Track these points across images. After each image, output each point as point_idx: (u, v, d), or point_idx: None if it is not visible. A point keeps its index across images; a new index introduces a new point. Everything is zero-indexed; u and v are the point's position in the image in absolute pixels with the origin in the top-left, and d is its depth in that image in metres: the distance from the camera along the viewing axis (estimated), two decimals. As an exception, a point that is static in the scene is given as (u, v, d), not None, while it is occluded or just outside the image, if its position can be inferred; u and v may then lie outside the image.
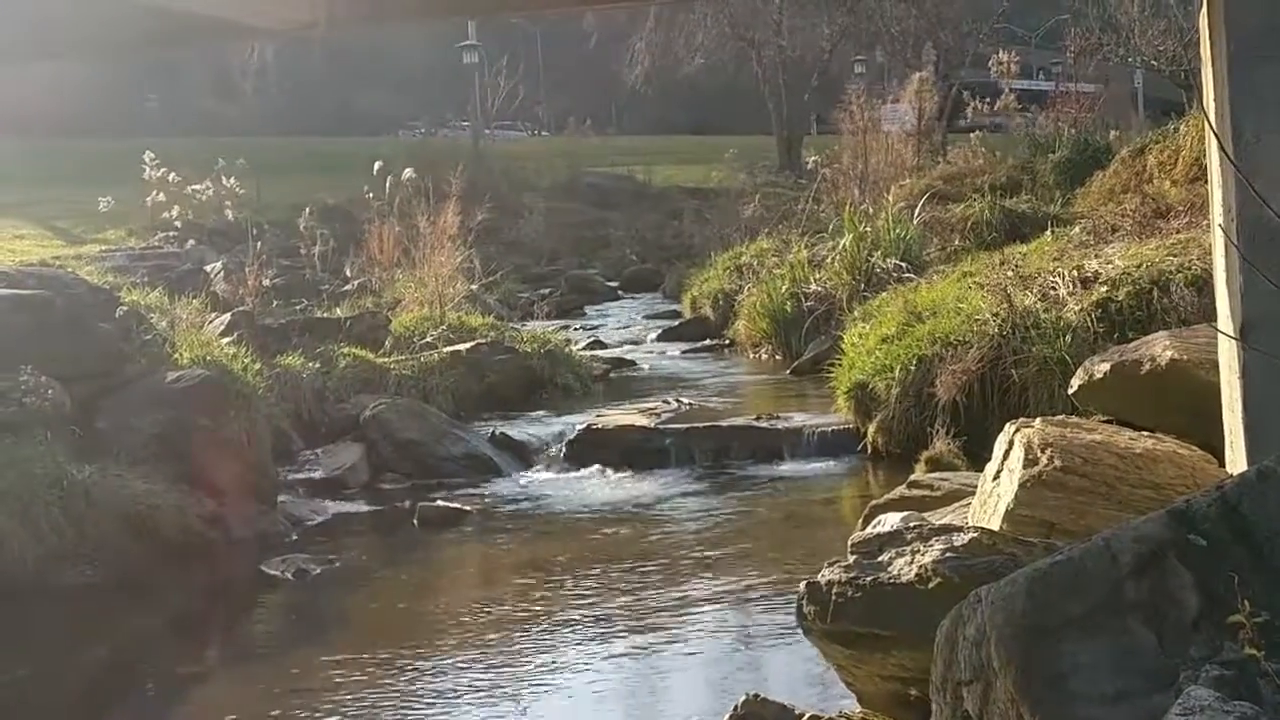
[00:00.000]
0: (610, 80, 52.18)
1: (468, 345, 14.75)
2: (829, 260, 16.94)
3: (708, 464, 11.66)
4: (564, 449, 12.09)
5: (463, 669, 7.20)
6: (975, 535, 5.22)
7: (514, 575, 9.10)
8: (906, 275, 15.01)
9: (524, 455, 12.19)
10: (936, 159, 24.25)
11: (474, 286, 18.02)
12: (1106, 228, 13.84)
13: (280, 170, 30.04)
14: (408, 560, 9.93)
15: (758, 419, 12.37)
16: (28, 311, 10.37)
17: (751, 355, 17.23)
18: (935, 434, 10.32)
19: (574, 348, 16.76)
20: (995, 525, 5.89)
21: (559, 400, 14.43)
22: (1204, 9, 5.93)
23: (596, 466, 11.71)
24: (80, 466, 9.35)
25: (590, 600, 8.25)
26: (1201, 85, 6.01)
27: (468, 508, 10.62)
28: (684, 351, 18.26)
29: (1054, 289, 11.33)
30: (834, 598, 5.21)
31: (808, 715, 5.50)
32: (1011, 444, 6.32)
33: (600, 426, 12.35)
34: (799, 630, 5.54)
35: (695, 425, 12.33)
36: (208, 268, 17.96)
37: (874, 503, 7.67)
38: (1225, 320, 5.86)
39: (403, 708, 6.71)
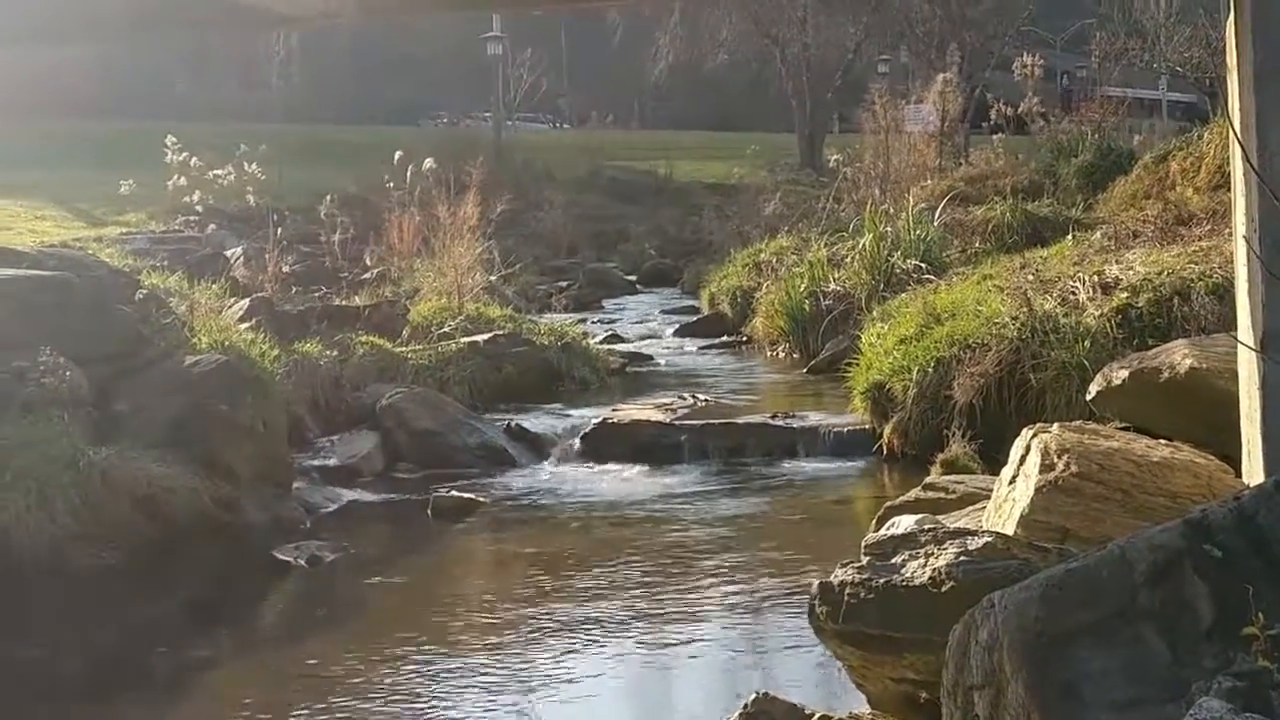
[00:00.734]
0: (633, 75, 52.20)
1: (485, 336, 14.76)
2: (848, 260, 16.92)
3: (722, 461, 11.64)
4: (579, 442, 12.09)
5: (473, 659, 7.21)
6: (990, 539, 5.21)
7: (527, 567, 9.10)
8: (926, 276, 14.98)
9: (539, 447, 12.20)
10: (958, 160, 24.22)
11: (492, 278, 18.05)
12: (1128, 233, 13.80)
13: (302, 157, 30.05)
14: (421, 549, 9.96)
15: (773, 417, 12.36)
16: (48, 292, 10.40)
17: (768, 353, 17.22)
18: (951, 437, 10.29)
19: (591, 341, 16.77)
20: (1010, 530, 5.88)
21: (575, 393, 14.45)
22: (1231, 17, 5.90)
23: (611, 461, 11.71)
24: (96, 448, 9.37)
25: (602, 593, 8.26)
26: (1227, 93, 5.97)
27: (482, 498, 10.63)
28: (701, 347, 18.26)
29: (1074, 294, 11.29)
30: (846, 599, 5.20)
31: (818, 715, 5.49)
32: (1028, 448, 6.31)
33: (615, 421, 12.36)
34: (810, 630, 5.54)
35: (710, 422, 12.33)
36: (228, 253, 18.00)
37: (888, 504, 7.66)
38: (1246, 331, 5.84)
39: (413, 695, 6.72)
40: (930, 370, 11.17)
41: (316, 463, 11.45)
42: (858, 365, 12.38)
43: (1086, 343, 10.43)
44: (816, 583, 5.39)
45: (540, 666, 7.08)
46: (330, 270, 18.28)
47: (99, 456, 9.27)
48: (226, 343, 11.15)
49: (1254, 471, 5.72)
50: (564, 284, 24.99)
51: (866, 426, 11.71)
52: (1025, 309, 11.07)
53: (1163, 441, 6.60)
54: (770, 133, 46.96)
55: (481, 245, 17.52)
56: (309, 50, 53.10)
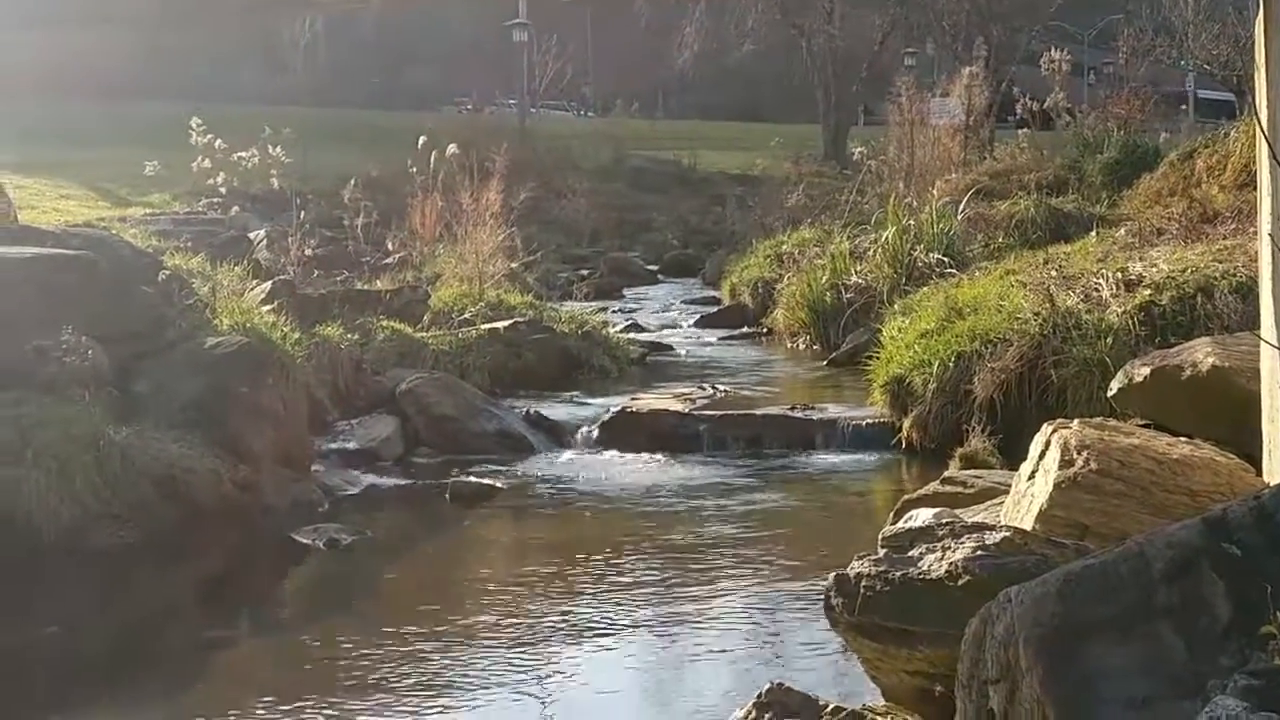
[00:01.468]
0: (658, 64, 52.13)
1: (506, 323, 14.78)
2: (871, 253, 16.87)
3: (740, 452, 11.64)
4: (597, 430, 12.11)
5: (489, 644, 7.22)
6: (1007, 534, 5.20)
7: (543, 553, 9.13)
8: (948, 270, 14.95)
9: (557, 435, 12.21)
10: (983, 155, 24.13)
11: (514, 265, 18.06)
12: (1152, 231, 13.75)
13: (326, 141, 30.13)
14: (438, 534, 9.99)
15: (792, 409, 12.35)
16: (71, 271, 10.43)
17: (789, 345, 17.20)
18: (971, 431, 10.27)
19: (611, 330, 16.77)
20: (1028, 525, 5.86)
21: (594, 381, 14.46)
22: (1260, 14, 5.86)
23: (630, 450, 11.70)
24: (117, 428, 9.41)
25: (617, 582, 8.27)
26: (1254, 91, 5.93)
27: (500, 484, 10.65)
28: (721, 338, 18.25)
29: (1097, 290, 11.25)
30: (862, 591, 5.20)
31: (831, 706, 5.49)
32: (1048, 444, 6.29)
33: (634, 410, 12.36)
34: (826, 621, 5.53)
35: (730, 412, 12.33)
36: (251, 235, 18.03)
37: (906, 497, 7.64)
38: (1269, 329, 5.80)
39: (428, 679, 6.74)
40: (951, 365, 11.15)
41: (336, 446, 11.49)
42: (878, 358, 12.36)
43: (1108, 339, 10.39)
44: (833, 574, 5.38)
45: (555, 653, 7.10)
46: (352, 254, 18.32)
47: (119, 436, 9.31)
48: (248, 325, 11.18)
49: (1275, 470, 5.69)
50: (585, 272, 25.00)
51: (886, 420, 11.69)
52: (1047, 305, 11.03)
53: (1183, 439, 6.57)
54: (795, 124, 46.90)
55: (503, 232, 17.53)
56: (334, 35, 53.20)
